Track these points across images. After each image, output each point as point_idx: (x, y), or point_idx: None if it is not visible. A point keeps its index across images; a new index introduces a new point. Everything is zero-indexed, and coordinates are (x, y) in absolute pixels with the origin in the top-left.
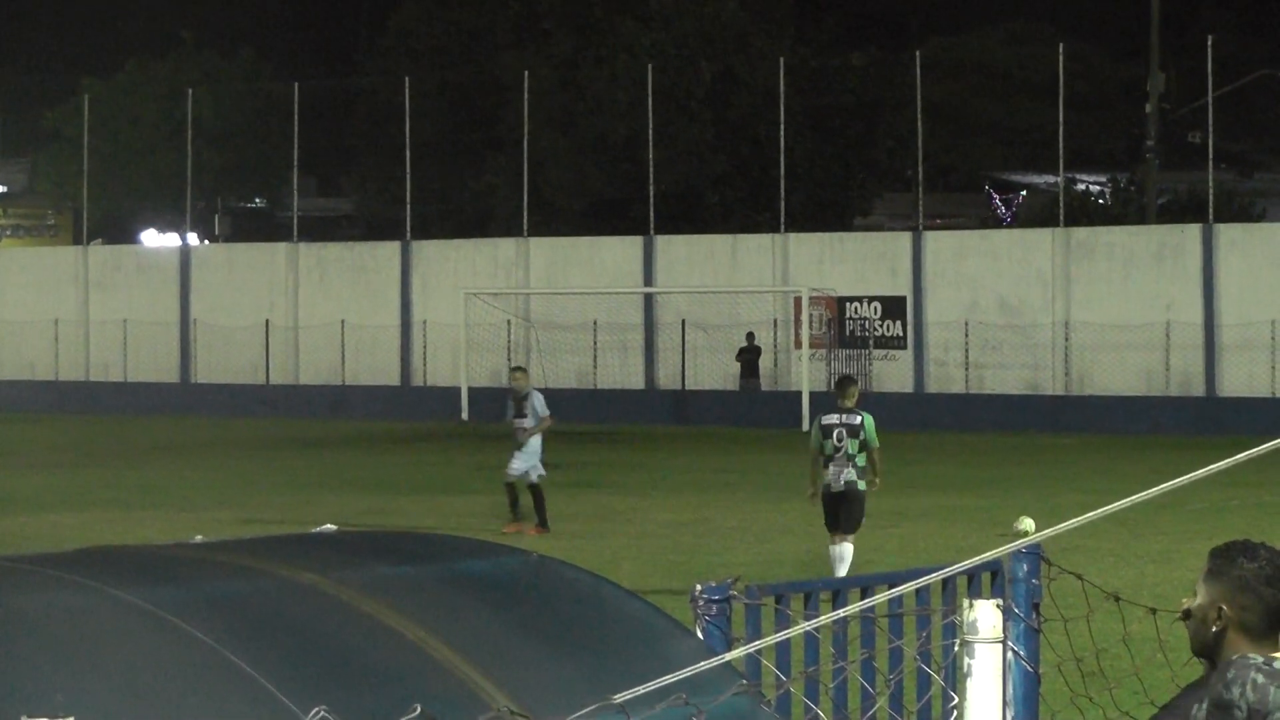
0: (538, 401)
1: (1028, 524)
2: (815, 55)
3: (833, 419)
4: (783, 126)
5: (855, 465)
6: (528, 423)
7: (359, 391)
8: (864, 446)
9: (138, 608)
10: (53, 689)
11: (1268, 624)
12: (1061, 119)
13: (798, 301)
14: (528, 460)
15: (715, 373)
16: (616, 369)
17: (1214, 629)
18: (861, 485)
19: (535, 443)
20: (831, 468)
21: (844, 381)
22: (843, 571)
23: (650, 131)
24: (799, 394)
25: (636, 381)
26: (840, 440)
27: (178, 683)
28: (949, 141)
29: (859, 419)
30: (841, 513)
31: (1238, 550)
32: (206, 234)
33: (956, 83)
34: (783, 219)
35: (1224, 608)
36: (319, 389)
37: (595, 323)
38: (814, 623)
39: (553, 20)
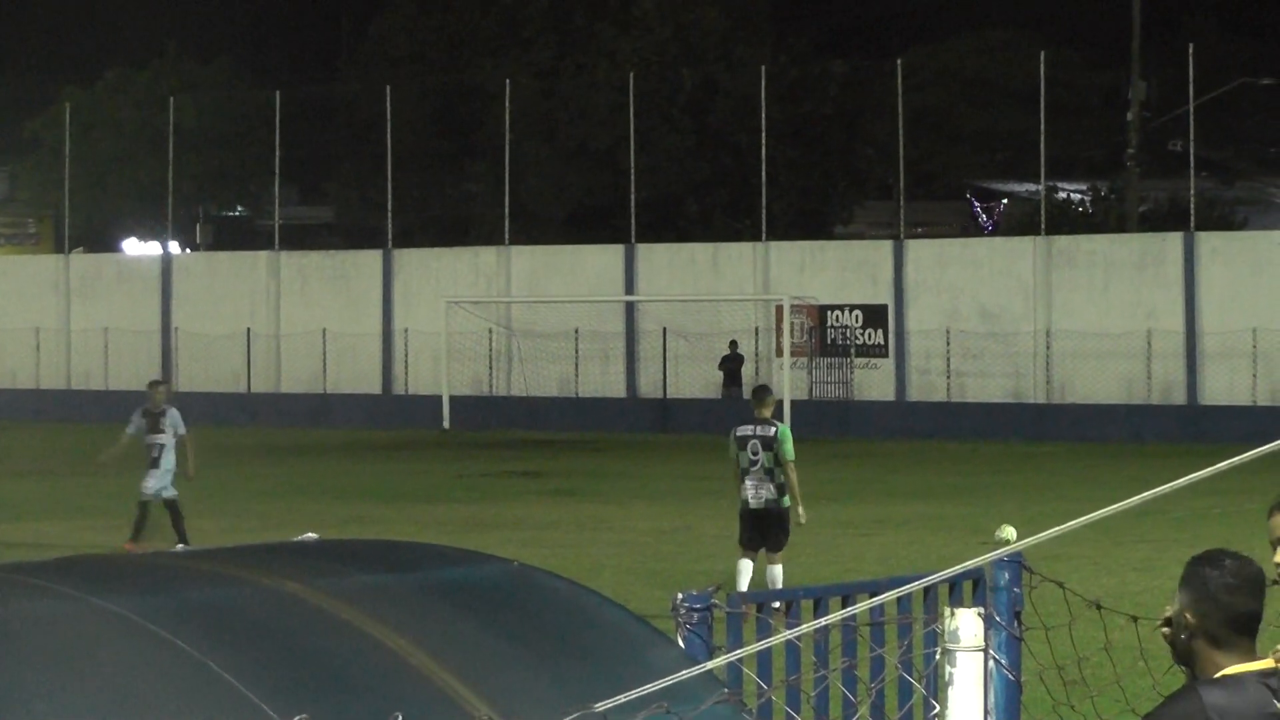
0: (175, 418)
1: (1009, 533)
2: (795, 64)
3: (747, 430)
4: (764, 135)
5: (774, 481)
6: (163, 439)
7: (340, 400)
8: (779, 460)
9: (119, 616)
10: (33, 698)
11: (1231, 631)
12: (1043, 127)
13: (779, 310)
14: (162, 479)
15: (697, 381)
16: (598, 377)
17: (1183, 636)
18: (784, 502)
19: (170, 460)
20: (748, 482)
21: (760, 391)
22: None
23: (632, 139)
24: (780, 403)
25: (618, 390)
26: (755, 453)
27: (159, 691)
28: (930, 150)
29: (774, 430)
30: (761, 532)
31: (1204, 559)
32: (188, 242)
33: (937, 91)
34: (764, 227)
35: (1188, 615)
36: (300, 397)
37: (577, 331)
38: (795, 631)
39: (533, 28)
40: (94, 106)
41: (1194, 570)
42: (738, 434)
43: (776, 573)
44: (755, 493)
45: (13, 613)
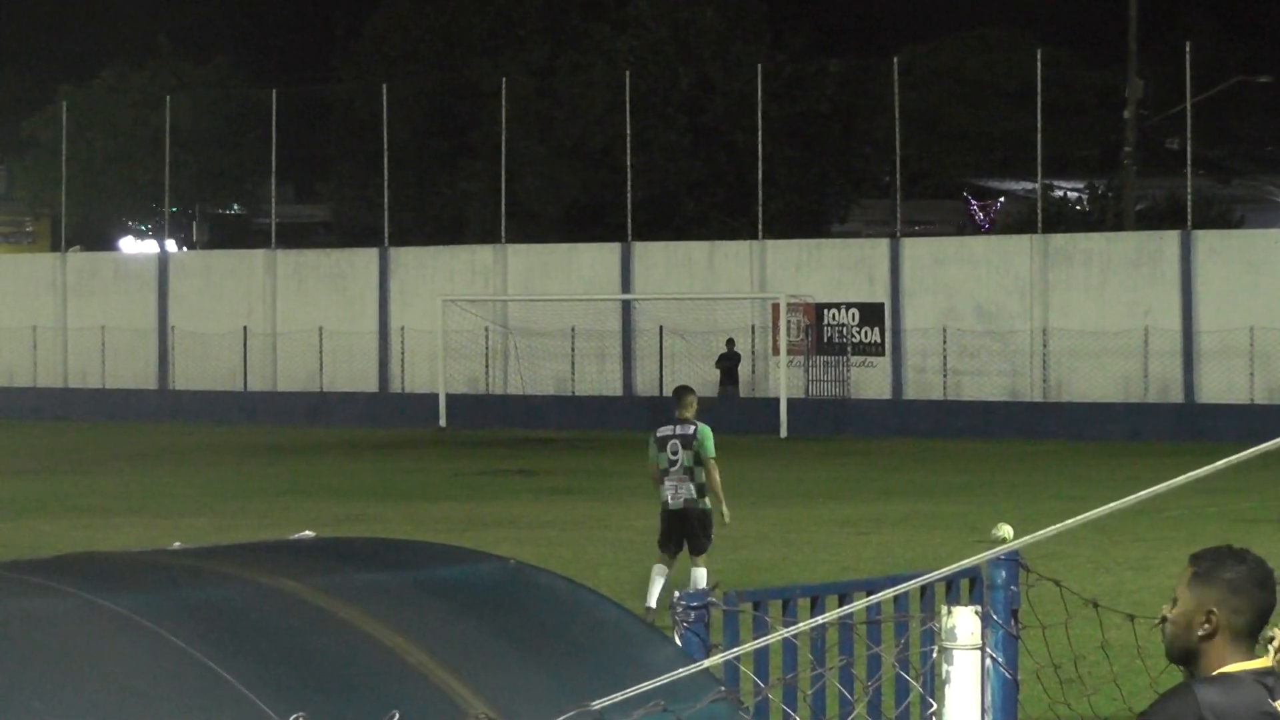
0: None
1: (1006, 531)
2: (792, 62)
3: (667, 430)
4: (760, 133)
5: (694, 481)
6: None
7: (337, 398)
8: (699, 460)
9: (115, 614)
10: (31, 697)
11: (1255, 627)
12: (1039, 125)
13: (776, 308)
14: None
15: (693, 379)
16: (594, 376)
17: (1200, 633)
18: (704, 504)
19: None
20: (667, 483)
21: (680, 391)
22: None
23: (629, 138)
24: (777, 401)
25: (614, 388)
26: (674, 453)
27: (157, 690)
28: (926, 148)
29: (693, 429)
30: (680, 533)
31: (1226, 554)
32: (185, 241)
33: (933, 89)
34: (760, 226)
35: (1214, 611)
36: (297, 396)
37: (573, 329)
38: (792, 629)
39: (528, 27)
40: (90, 105)
41: (1218, 565)
42: (658, 435)
43: (700, 575)
44: (675, 493)
45: (11, 611)
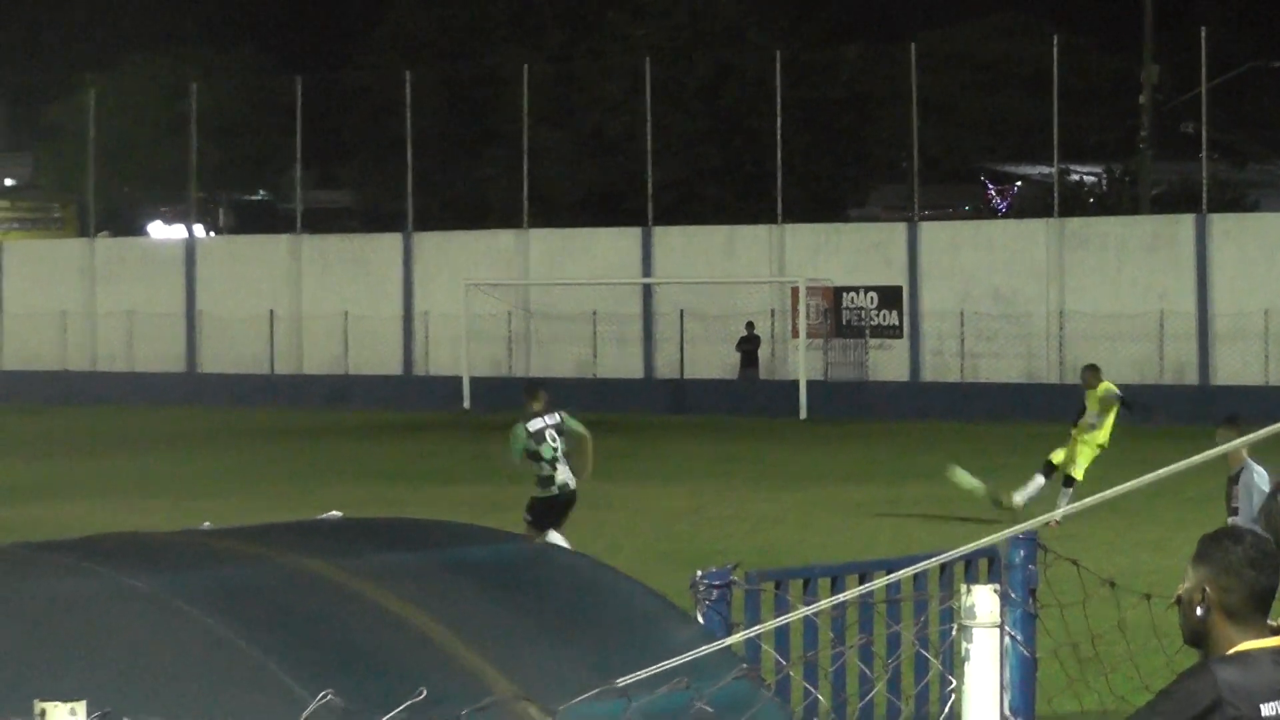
0: None
1: (962, 475)
2: (808, 48)
3: (538, 424)
4: (779, 119)
5: (571, 464)
6: None
7: (362, 381)
8: (571, 441)
9: (146, 594)
10: (64, 673)
11: (1250, 607)
12: (1056, 110)
13: (794, 292)
14: None
15: (713, 362)
16: (615, 359)
17: (1198, 611)
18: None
19: None
20: (561, 468)
21: (532, 387)
22: None
23: (649, 124)
24: (796, 383)
25: (635, 371)
26: (554, 440)
27: (186, 667)
28: (943, 133)
29: (559, 416)
30: (567, 511)
31: (1225, 534)
32: (211, 226)
33: (949, 75)
34: (779, 210)
35: (1208, 589)
36: (322, 379)
37: (594, 313)
38: (813, 608)
39: (547, 13)
40: (116, 93)
41: (1214, 544)
42: (531, 429)
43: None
44: (569, 475)
45: (43, 590)
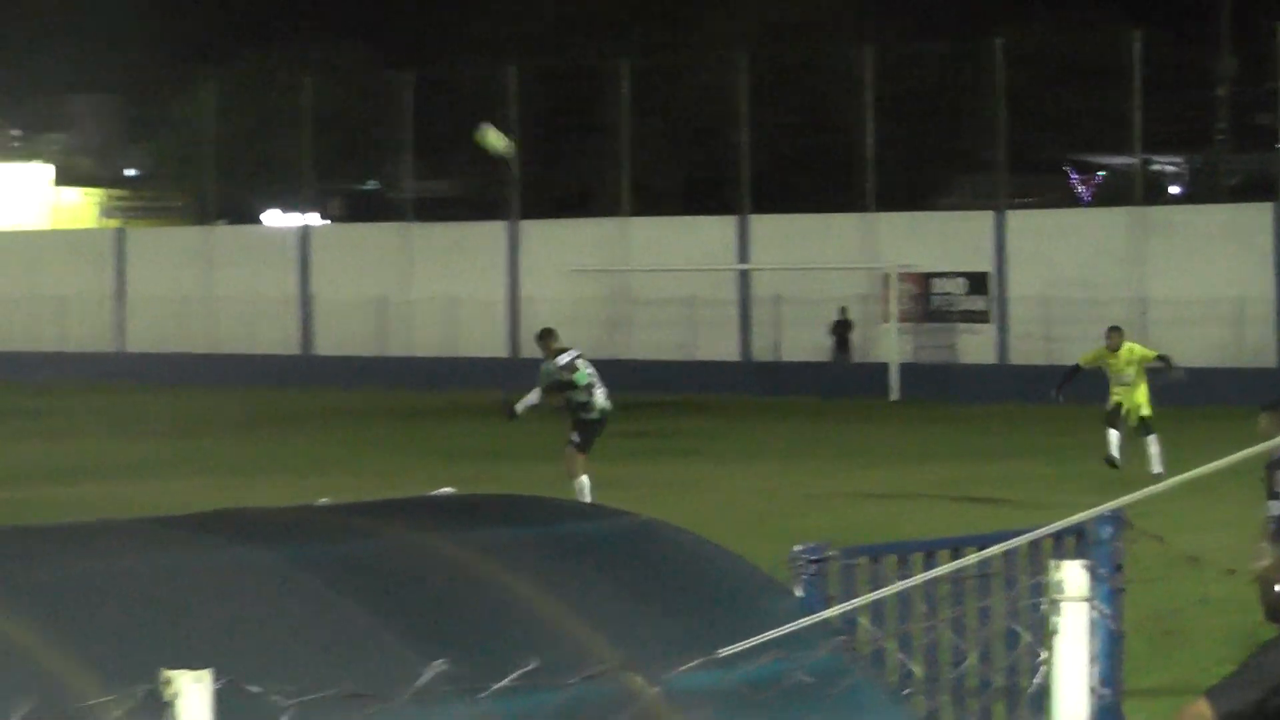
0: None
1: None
2: (897, 43)
3: (566, 357)
4: (870, 112)
5: None
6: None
7: (468, 363)
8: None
9: (269, 566)
10: (193, 642)
11: None
12: (1137, 103)
13: (885, 278)
14: None
15: (806, 345)
16: (712, 342)
17: (1277, 588)
18: None
19: None
20: (598, 392)
21: (546, 331)
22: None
23: (743, 117)
24: (886, 366)
25: (731, 354)
26: (588, 366)
27: (307, 636)
28: (1027, 124)
29: (578, 352)
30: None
31: None
32: (325, 214)
33: (1032, 69)
34: (870, 199)
35: None
36: (431, 361)
37: (693, 298)
38: (907, 582)
39: (644, 9)
40: (233, 87)
41: None
42: (561, 363)
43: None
44: (605, 399)
45: (166, 563)
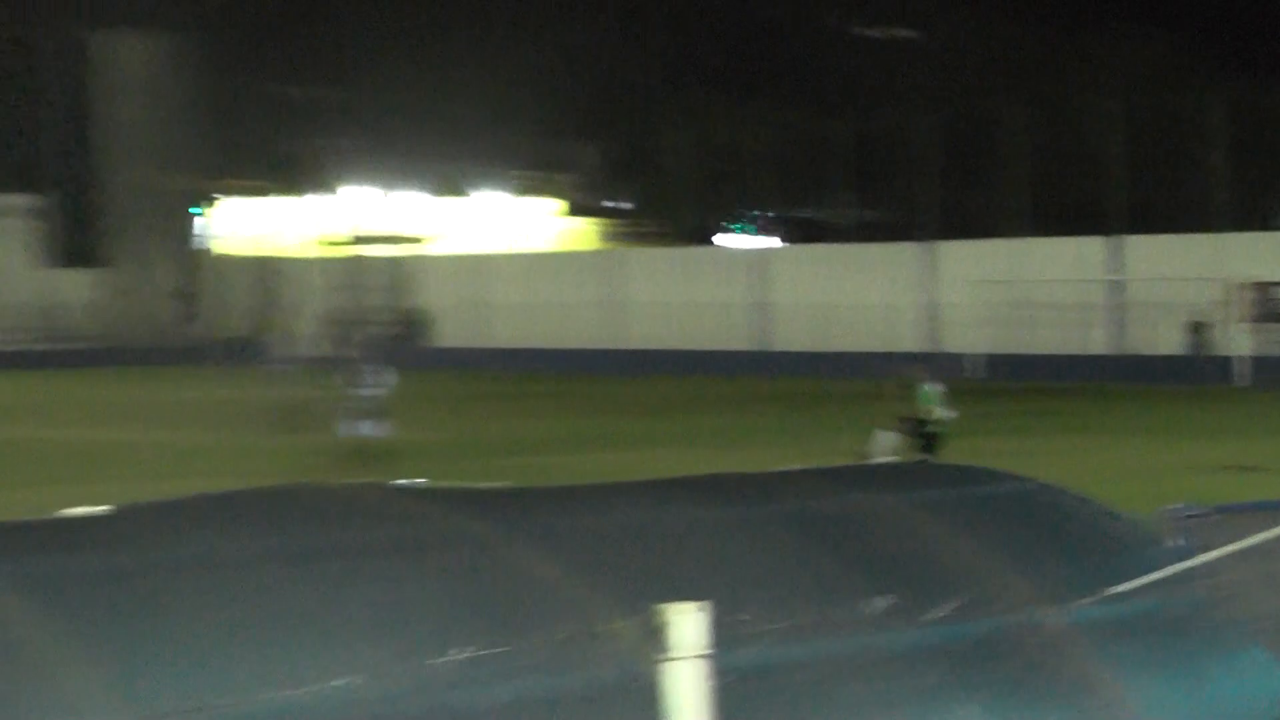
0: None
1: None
2: (1247, 89)
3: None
4: (1223, 152)
5: None
6: None
7: (899, 357)
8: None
9: (748, 520)
10: (688, 579)
11: None
12: None
13: (1234, 287)
14: None
15: (1170, 342)
16: (1088, 339)
17: None
18: None
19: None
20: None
21: (919, 363)
22: None
23: (1115, 156)
24: (1230, 359)
25: (1107, 348)
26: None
27: (780, 576)
28: None
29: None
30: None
31: None
32: (782, 237)
33: None
34: (1221, 220)
35: None
36: (868, 356)
37: (1082, 303)
38: (1272, 532)
39: (1027, 65)
40: (703, 133)
41: None
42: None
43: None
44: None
45: (665, 518)
